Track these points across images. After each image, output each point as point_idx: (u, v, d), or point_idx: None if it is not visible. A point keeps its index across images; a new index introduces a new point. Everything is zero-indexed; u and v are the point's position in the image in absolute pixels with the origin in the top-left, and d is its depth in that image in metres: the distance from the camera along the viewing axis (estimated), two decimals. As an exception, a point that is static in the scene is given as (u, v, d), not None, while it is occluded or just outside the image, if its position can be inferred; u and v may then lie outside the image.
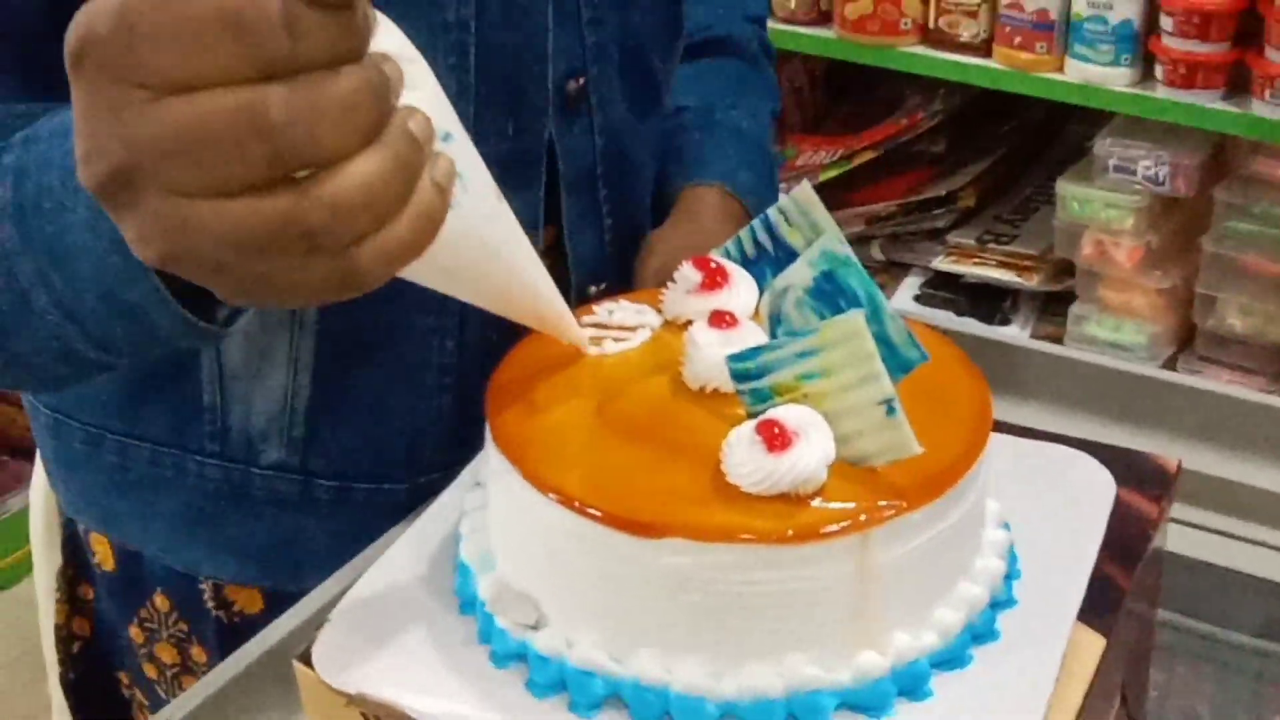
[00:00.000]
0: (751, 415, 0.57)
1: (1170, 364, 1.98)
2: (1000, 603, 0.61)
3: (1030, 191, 2.23)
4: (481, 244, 0.55)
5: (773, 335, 0.62)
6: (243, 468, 0.83)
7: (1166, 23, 1.82)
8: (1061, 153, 2.19)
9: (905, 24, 2.02)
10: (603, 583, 0.56)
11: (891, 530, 0.55)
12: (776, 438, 0.55)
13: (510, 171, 0.75)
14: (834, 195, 2.12)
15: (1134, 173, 1.93)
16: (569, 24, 0.83)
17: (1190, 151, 1.91)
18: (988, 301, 2.12)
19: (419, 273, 0.52)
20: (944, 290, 2.15)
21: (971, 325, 1.96)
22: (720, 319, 0.62)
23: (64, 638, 0.95)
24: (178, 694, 0.83)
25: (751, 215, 0.89)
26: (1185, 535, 0.83)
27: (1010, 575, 0.62)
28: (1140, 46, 1.88)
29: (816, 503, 0.55)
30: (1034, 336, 2.05)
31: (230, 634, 0.86)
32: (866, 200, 2.18)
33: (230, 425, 0.82)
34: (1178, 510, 0.79)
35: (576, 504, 0.55)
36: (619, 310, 0.68)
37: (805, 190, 0.65)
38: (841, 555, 0.55)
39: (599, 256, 0.89)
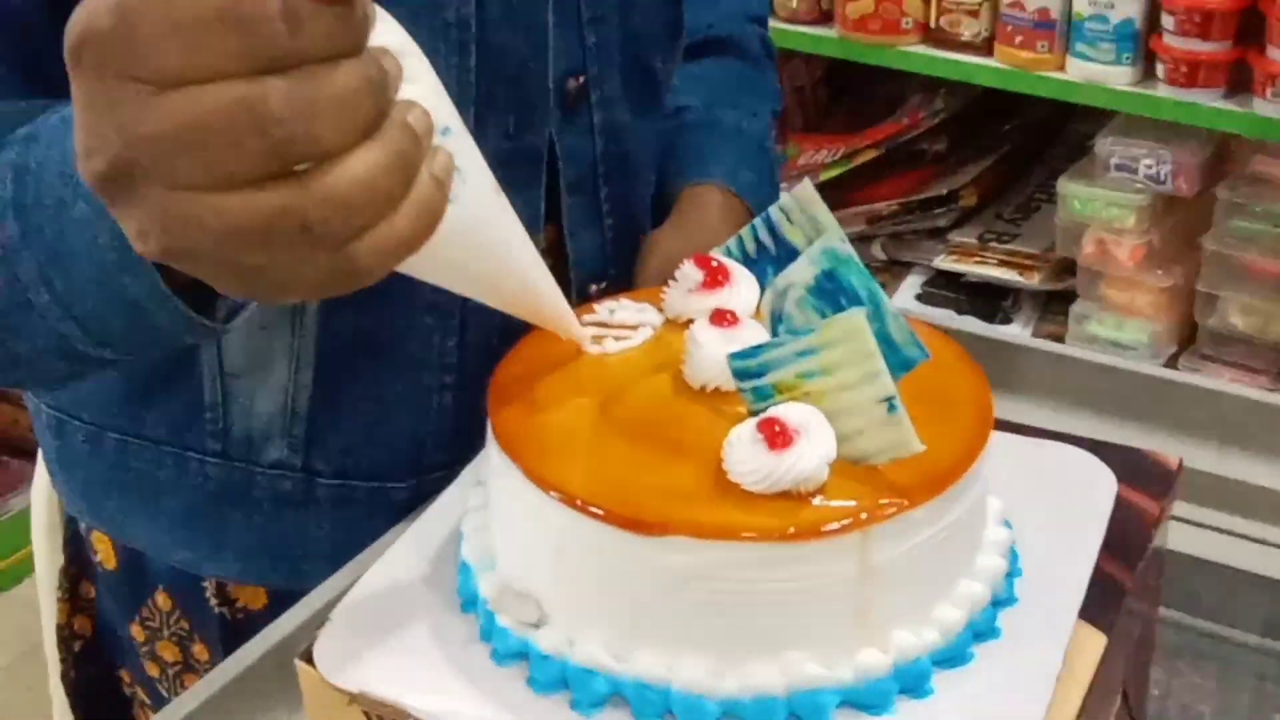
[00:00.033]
0: (753, 413, 0.57)
1: (1172, 362, 1.98)
2: (1001, 601, 0.61)
3: (1032, 190, 2.22)
4: (480, 238, 0.55)
5: (774, 333, 0.62)
6: (244, 466, 0.83)
7: (1168, 21, 1.82)
8: (1063, 152, 2.19)
9: (906, 23, 2.02)
10: (604, 581, 0.56)
11: (893, 528, 0.55)
12: (778, 436, 0.55)
13: (511, 171, 0.75)
14: (835, 194, 2.11)
15: (1135, 171, 1.93)
16: (569, 23, 0.83)
17: (1192, 150, 1.91)
18: (989, 300, 2.12)
19: (418, 267, 0.52)
20: (945, 289, 2.15)
21: (973, 324, 1.96)
22: (722, 317, 0.62)
23: (65, 637, 0.95)
24: (179, 692, 0.83)
25: (753, 215, 0.89)
26: (1187, 533, 0.83)
27: (1011, 573, 0.62)
28: (1141, 45, 1.88)
29: (818, 501, 0.55)
30: (1035, 335, 2.04)
31: (234, 630, 0.86)
32: (868, 199, 2.18)
33: (232, 424, 0.82)
34: (1179, 508, 0.79)
35: (578, 502, 0.55)
36: (620, 309, 0.68)
37: (807, 189, 0.65)
38: (843, 553, 0.55)
39: (600, 256, 0.88)
